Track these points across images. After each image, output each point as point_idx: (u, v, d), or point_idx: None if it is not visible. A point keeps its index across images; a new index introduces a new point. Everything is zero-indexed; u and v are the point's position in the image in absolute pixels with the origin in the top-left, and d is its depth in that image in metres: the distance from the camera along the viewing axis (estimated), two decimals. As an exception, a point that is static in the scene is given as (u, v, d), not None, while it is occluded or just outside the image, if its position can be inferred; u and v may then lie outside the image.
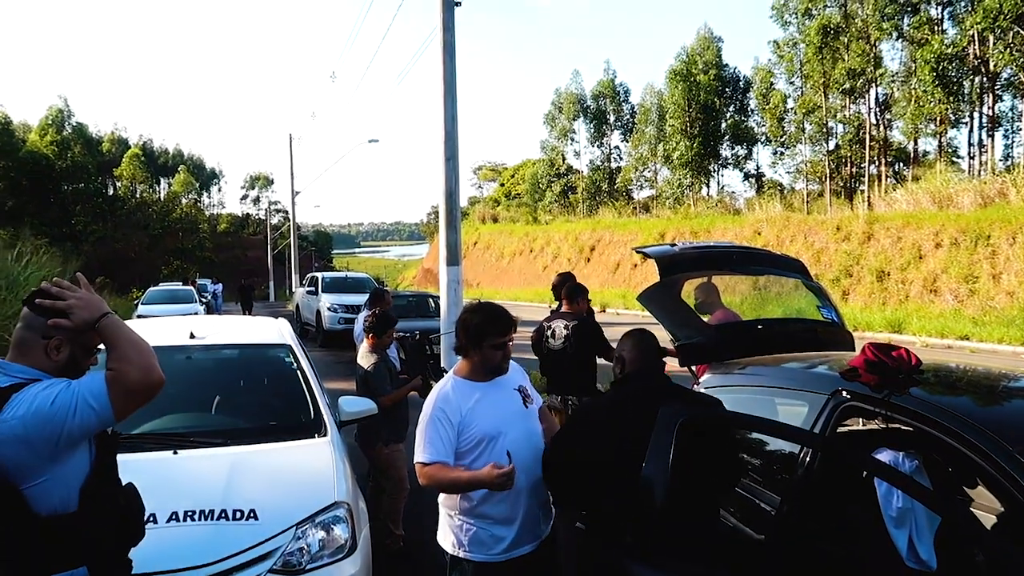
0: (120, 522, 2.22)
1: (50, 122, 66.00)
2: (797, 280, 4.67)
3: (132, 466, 2.36)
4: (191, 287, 26.16)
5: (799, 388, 3.43)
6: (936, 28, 27.54)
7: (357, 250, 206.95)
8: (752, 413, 3.37)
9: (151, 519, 2.93)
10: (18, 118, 65.77)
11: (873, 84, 31.00)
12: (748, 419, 3.17)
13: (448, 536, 3.07)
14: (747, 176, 42.39)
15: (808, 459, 2.86)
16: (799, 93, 34.12)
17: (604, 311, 25.80)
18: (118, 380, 2.00)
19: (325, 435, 4.14)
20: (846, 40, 30.31)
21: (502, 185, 68.93)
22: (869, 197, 29.05)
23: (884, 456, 2.82)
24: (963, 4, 26.50)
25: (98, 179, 68.89)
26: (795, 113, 34.18)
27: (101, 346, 2.15)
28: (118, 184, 71.27)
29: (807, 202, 33.92)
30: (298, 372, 4.68)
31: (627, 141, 47.53)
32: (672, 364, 4.20)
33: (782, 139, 36.41)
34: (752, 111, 40.62)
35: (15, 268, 14.88)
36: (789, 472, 3.14)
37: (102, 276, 31.47)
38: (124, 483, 2.29)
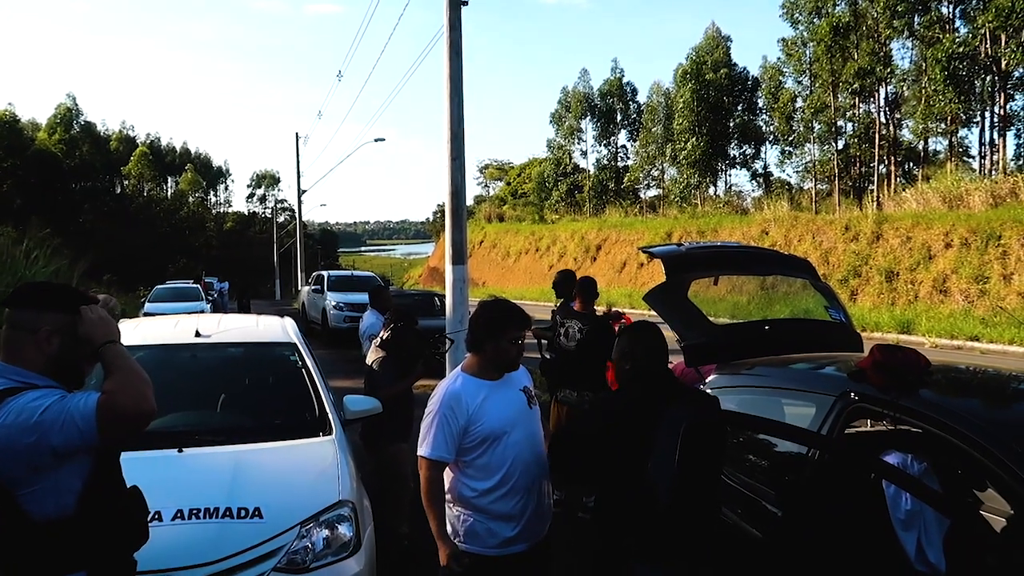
0: (122, 526, 2.20)
1: (59, 120, 66.34)
2: (805, 280, 4.64)
3: (137, 464, 2.35)
4: (199, 285, 26.25)
5: (806, 389, 3.41)
6: (947, 26, 27.36)
7: (363, 248, 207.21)
8: (759, 414, 3.35)
9: (156, 517, 2.93)
10: (26, 116, 66.06)
11: (883, 83, 30.82)
12: (755, 420, 3.15)
13: (447, 527, 3.07)
14: (755, 175, 42.24)
15: (815, 460, 2.84)
16: (808, 92, 33.98)
17: (610, 310, 25.65)
18: (109, 405, 1.97)
19: (330, 434, 4.14)
20: (856, 39, 30.16)
21: (508, 184, 68.94)
22: (878, 197, 28.94)
23: (892, 458, 2.80)
24: (974, 2, 26.32)
25: (106, 177, 69.28)
26: (804, 112, 34.02)
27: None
28: (126, 182, 71.55)
29: (815, 202, 33.78)
30: (303, 371, 4.67)
31: (634, 140, 47.45)
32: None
33: (790, 138, 36.25)
34: (760, 110, 40.46)
35: (22, 264, 14.98)
36: (795, 473, 3.12)
37: (109, 274, 31.60)
38: (129, 485, 2.27)
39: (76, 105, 68.43)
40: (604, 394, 5.56)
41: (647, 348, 2.95)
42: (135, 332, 4.86)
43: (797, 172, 37.96)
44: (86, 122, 69.39)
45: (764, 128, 40.28)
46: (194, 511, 3.15)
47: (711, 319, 4.35)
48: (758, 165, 42.00)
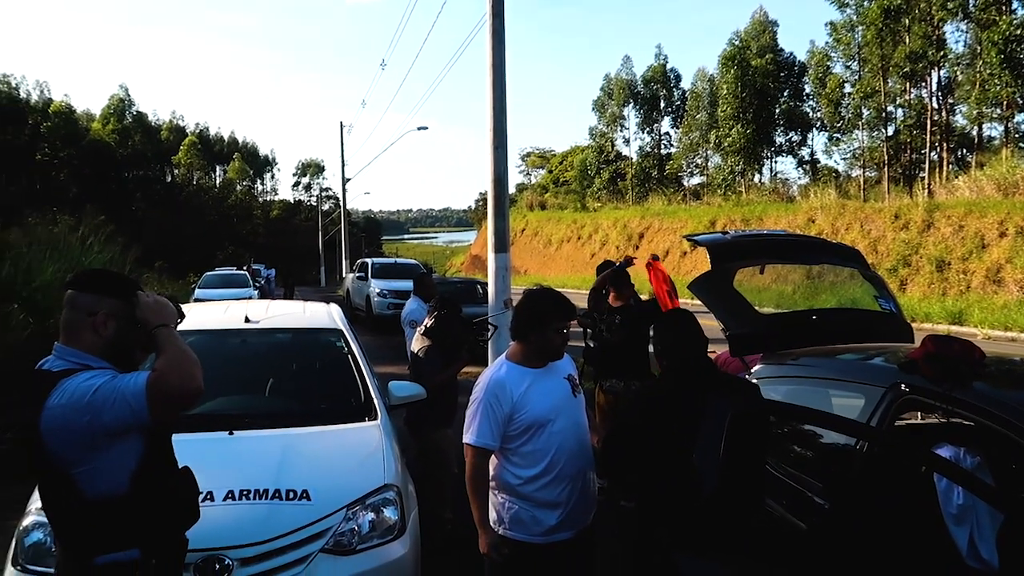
0: (173, 505, 2.26)
1: (112, 111, 68.10)
2: (853, 269, 4.55)
3: (190, 446, 2.42)
4: (246, 272, 26.76)
5: (855, 380, 3.35)
6: (1004, 8, 26.37)
7: (406, 236, 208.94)
8: (805, 405, 3.31)
9: (208, 497, 3.01)
10: (81, 107, 67.92)
11: (936, 67, 29.87)
12: (802, 411, 3.11)
13: (490, 512, 3.10)
14: (801, 163, 41.38)
15: (864, 452, 2.80)
16: (857, 77, 33.10)
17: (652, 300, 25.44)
18: (158, 384, 2.02)
19: (375, 419, 4.20)
20: (907, 22, 29.27)
21: (550, 172, 68.70)
22: (929, 184, 28.13)
23: (945, 451, 2.74)
24: (1034, -18, 25.35)
25: (157, 166, 70.92)
26: (852, 98, 33.16)
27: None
28: (176, 171, 73.14)
29: (864, 189, 32.95)
30: (349, 356, 4.75)
31: (678, 127, 46.86)
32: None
33: (838, 125, 35.38)
34: (807, 96, 39.57)
35: (78, 251, 15.43)
36: (842, 465, 3.08)
37: (160, 261, 32.36)
38: (180, 466, 2.34)
39: (128, 96, 70.17)
40: (645, 385, 5.55)
41: (685, 338, 2.93)
42: (187, 317, 4.98)
43: (845, 159, 37.04)
44: (138, 112, 71.09)
45: (811, 114, 39.40)
46: (244, 492, 3.22)
47: (757, 308, 4.31)
48: (804, 152, 41.17)
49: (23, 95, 60.57)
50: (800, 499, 3.19)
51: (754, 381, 3.58)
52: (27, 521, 3.11)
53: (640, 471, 2.93)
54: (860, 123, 33.58)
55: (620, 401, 5.76)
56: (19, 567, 2.99)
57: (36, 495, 3.06)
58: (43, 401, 2.01)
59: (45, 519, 2.84)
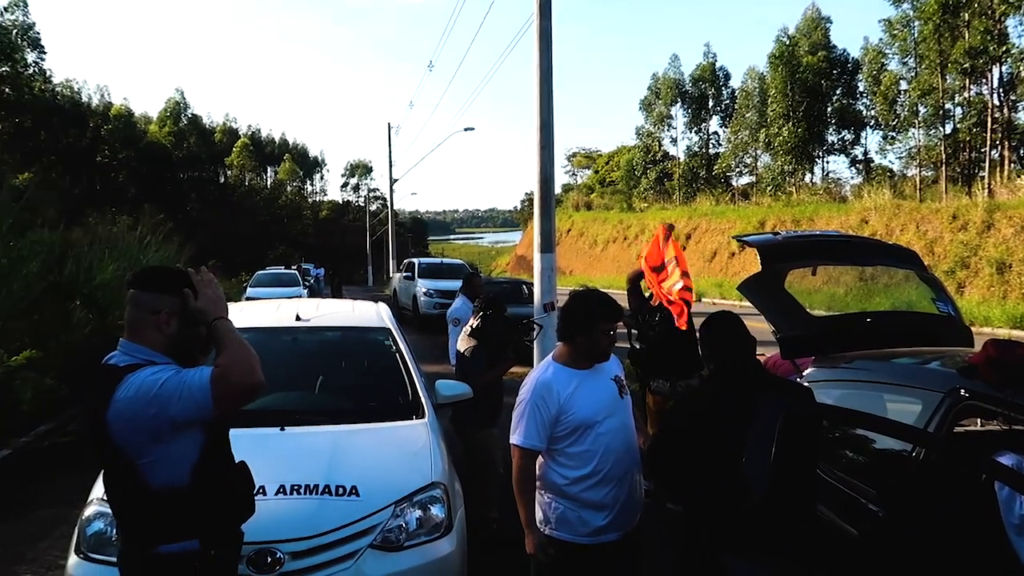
0: (231, 497, 2.32)
1: (168, 114, 70.09)
2: (909, 271, 4.44)
3: (242, 441, 2.47)
4: (296, 271, 27.25)
5: (911, 384, 3.27)
6: (1071, 0, 25.41)
7: (452, 236, 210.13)
8: (859, 409, 3.24)
9: (260, 491, 3.07)
10: (139, 110, 70.02)
11: (997, 63, 28.91)
12: (856, 415, 3.04)
13: (537, 512, 3.11)
14: (854, 162, 40.45)
15: (921, 459, 2.73)
16: (913, 74, 32.22)
17: (699, 300, 25.27)
18: (223, 378, 2.08)
19: (423, 417, 4.24)
20: (967, 16, 28.38)
21: (596, 172, 68.45)
22: (990, 184, 27.19)
23: (1006, 459, 2.65)
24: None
25: (211, 167, 72.68)
26: (909, 95, 32.28)
27: None
28: (228, 172, 74.87)
29: (920, 189, 32.03)
30: (397, 355, 4.80)
31: (726, 127, 46.23)
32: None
33: (893, 123, 34.48)
34: (861, 94, 38.66)
35: (136, 249, 15.92)
36: (898, 471, 3.01)
37: (213, 260, 33.17)
38: (236, 460, 2.39)
39: (184, 99, 72.17)
40: (691, 386, 5.50)
41: (732, 340, 2.88)
42: (240, 315, 5.09)
43: (900, 158, 36.09)
44: (193, 115, 73.06)
45: (865, 113, 38.48)
46: (295, 487, 3.28)
47: (808, 310, 4.23)
48: (858, 151, 40.24)
49: (85, 99, 62.72)
50: (852, 504, 3.12)
51: (805, 384, 3.52)
52: (89, 511, 3.21)
53: (687, 473, 2.90)
54: (916, 121, 32.68)
55: (667, 402, 5.72)
56: (82, 555, 3.10)
57: (98, 485, 3.16)
58: (110, 395, 2.08)
59: (107, 509, 2.95)
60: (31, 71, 45.56)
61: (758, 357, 3.03)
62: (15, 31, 44.73)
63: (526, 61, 10.58)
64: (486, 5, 14.20)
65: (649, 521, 3.36)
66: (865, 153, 39.91)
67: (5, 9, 44.70)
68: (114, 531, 2.84)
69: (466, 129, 30.09)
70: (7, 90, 40.02)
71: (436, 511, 3.45)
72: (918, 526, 2.75)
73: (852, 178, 40.21)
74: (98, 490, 3.19)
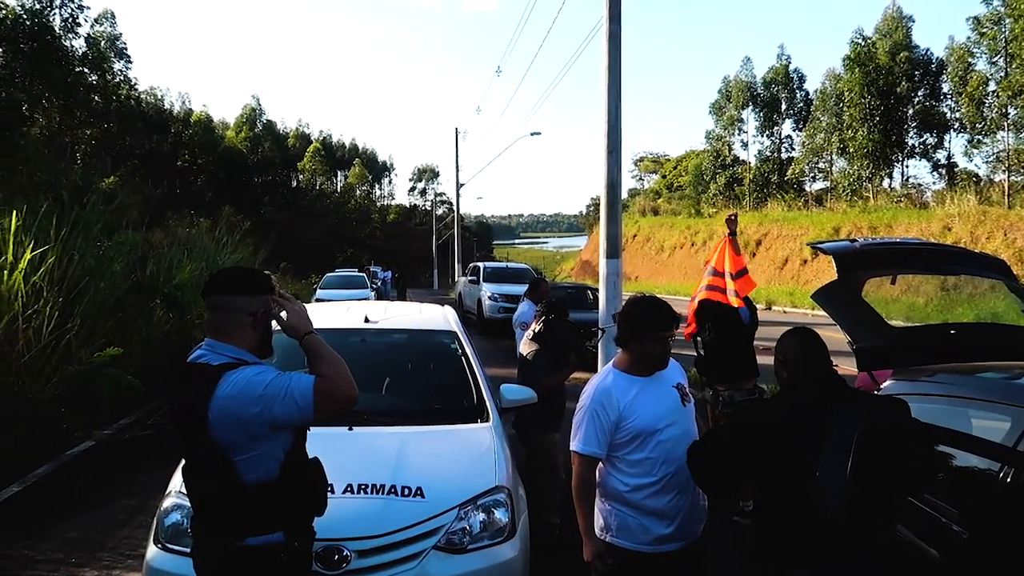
0: (311, 492, 2.40)
1: (244, 120, 72.55)
2: (995, 281, 4.22)
3: (312, 439, 2.52)
4: (364, 273, 27.80)
5: (999, 400, 3.11)
6: None
7: (516, 241, 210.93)
8: (941, 425, 3.10)
9: (329, 489, 3.12)
10: (217, 116, 72.70)
11: (1094, 62, 27.37)
12: (939, 431, 2.91)
13: (597, 519, 3.08)
14: (936, 167, 38.81)
15: (1010, 478, 2.59)
16: (1003, 74, 30.75)
17: (770, 308, 24.67)
18: (326, 388, 2.20)
19: (487, 420, 4.26)
20: (1062, 13, 26.96)
21: (664, 177, 67.68)
22: (1084, 190, 25.75)
23: (1105, 483, 2.50)
24: None
25: (284, 172, 74.77)
26: (997, 96, 30.82)
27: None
28: (300, 176, 76.91)
29: (1008, 195, 30.52)
30: (463, 358, 4.84)
31: (800, 130, 45.05)
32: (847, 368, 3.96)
33: (980, 126, 32.96)
34: (945, 95, 37.10)
35: (213, 251, 16.50)
36: (982, 491, 2.87)
37: (285, 262, 34.12)
38: (310, 457, 2.45)
39: (259, 105, 74.67)
40: (754, 399, 5.41)
41: (808, 350, 2.79)
42: (312, 316, 5.22)
43: (987, 163, 34.45)
44: (268, 121, 75.46)
45: (949, 115, 36.92)
46: (362, 486, 3.33)
47: (887, 320, 4.07)
48: (940, 155, 38.61)
49: (167, 106, 65.46)
50: (933, 524, 2.98)
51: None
52: (167, 503, 3.33)
53: (727, 478, 2.83)
54: (1006, 123, 31.13)
55: (727, 409, 5.70)
56: (160, 545, 3.21)
57: (176, 477, 3.28)
58: (211, 393, 2.15)
59: (184, 501, 3.05)
60: (118, 79, 47.71)
61: (835, 367, 2.93)
62: (103, 42, 46.97)
63: (593, 64, 10.54)
64: (555, 9, 14.22)
65: (712, 530, 3.28)
66: (949, 157, 38.29)
67: (95, 21, 47.02)
68: (190, 523, 2.94)
69: (533, 134, 30.16)
70: (95, 98, 42.02)
71: (500, 515, 3.45)
72: (1004, 549, 2.61)
73: (934, 183, 38.64)
74: (176, 482, 3.30)
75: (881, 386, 3.83)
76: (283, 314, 2.37)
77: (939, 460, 3.39)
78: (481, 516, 3.40)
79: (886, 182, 38.75)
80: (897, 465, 2.60)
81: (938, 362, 3.72)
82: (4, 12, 37.46)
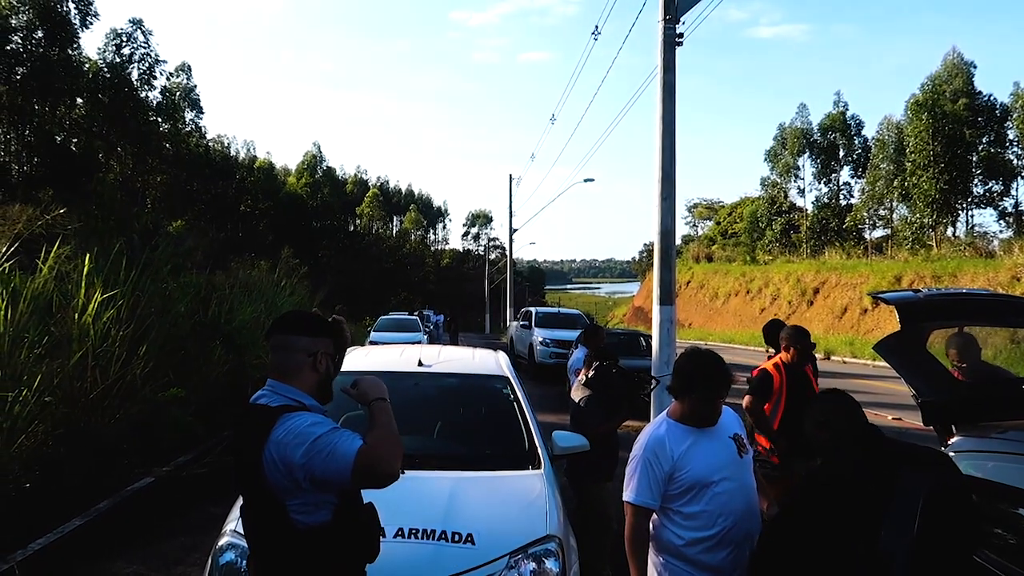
0: (365, 538, 2.39)
1: (305, 167, 74.93)
2: (1071, 335, 4.06)
3: (366, 481, 2.54)
4: (417, 317, 28.05)
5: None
6: None
7: (568, 286, 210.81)
8: (1013, 484, 2.97)
9: (380, 533, 3.14)
10: (280, 163, 75.24)
11: None
12: (1012, 491, 2.78)
13: (651, 573, 3.01)
14: (1004, 215, 37.70)
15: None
16: (1071, 121, 29.91)
17: (828, 359, 24.01)
18: (368, 457, 2.13)
19: (539, 467, 4.22)
20: None
21: (718, 223, 67.11)
22: None
23: None
24: None
25: (342, 216, 76.66)
26: (1066, 143, 29.94)
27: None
28: (358, 221, 78.72)
29: (1081, 244, 29.41)
30: (515, 404, 4.82)
31: (858, 177, 44.35)
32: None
33: (1049, 173, 32.00)
34: (1011, 142, 36.17)
35: (272, 293, 16.90)
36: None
37: (340, 304, 34.68)
38: (364, 502, 2.46)
39: (320, 152, 77.02)
40: (810, 471, 5.14)
41: (843, 411, 2.67)
42: (367, 359, 5.30)
43: (1058, 211, 33.34)
44: (327, 167, 77.79)
45: (1015, 162, 35.94)
46: (413, 531, 3.32)
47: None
48: (1007, 203, 37.50)
49: (233, 153, 68.03)
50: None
51: (951, 454, 3.26)
52: (222, 541, 3.36)
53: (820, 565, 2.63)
54: (1076, 171, 30.17)
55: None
56: (213, 583, 3.25)
57: (232, 516, 3.32)
58: (267, 435, 2.18)
59: (239, 541, 3.09)
60: (189, 128, 49.91)
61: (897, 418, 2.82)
62: (178, 93, 49.28)
63: (646, 112, 10.63)
64: (609, 59, 14.42)
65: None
66: (1016, 205, 37.21)
67: (172, 74, 49.42)
68: (244, 562, 2.97)
69: (586, 180, 30.32)
70: (167, 145, 44.02)
71: (551, 565, 3.40)
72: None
73: (1000, 232, 37.48)
74: (231, 522, 3.35)
75: (948, 443, 3.69)
76: (357, 381, 2.40)
77: (1013, 521, 3.23)
78: (532, 565, 3.35)
79: (949, 230, 37.74)
80: (967, 526, 2.48)
81: (1008, 418, 3.57)
82: (88, 66, 39.79)
